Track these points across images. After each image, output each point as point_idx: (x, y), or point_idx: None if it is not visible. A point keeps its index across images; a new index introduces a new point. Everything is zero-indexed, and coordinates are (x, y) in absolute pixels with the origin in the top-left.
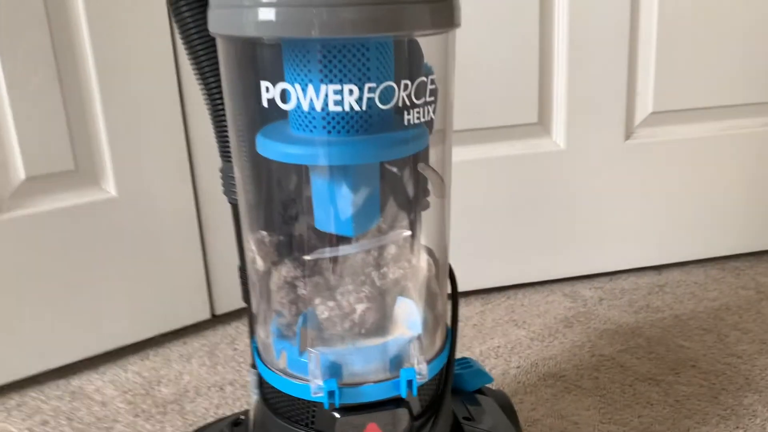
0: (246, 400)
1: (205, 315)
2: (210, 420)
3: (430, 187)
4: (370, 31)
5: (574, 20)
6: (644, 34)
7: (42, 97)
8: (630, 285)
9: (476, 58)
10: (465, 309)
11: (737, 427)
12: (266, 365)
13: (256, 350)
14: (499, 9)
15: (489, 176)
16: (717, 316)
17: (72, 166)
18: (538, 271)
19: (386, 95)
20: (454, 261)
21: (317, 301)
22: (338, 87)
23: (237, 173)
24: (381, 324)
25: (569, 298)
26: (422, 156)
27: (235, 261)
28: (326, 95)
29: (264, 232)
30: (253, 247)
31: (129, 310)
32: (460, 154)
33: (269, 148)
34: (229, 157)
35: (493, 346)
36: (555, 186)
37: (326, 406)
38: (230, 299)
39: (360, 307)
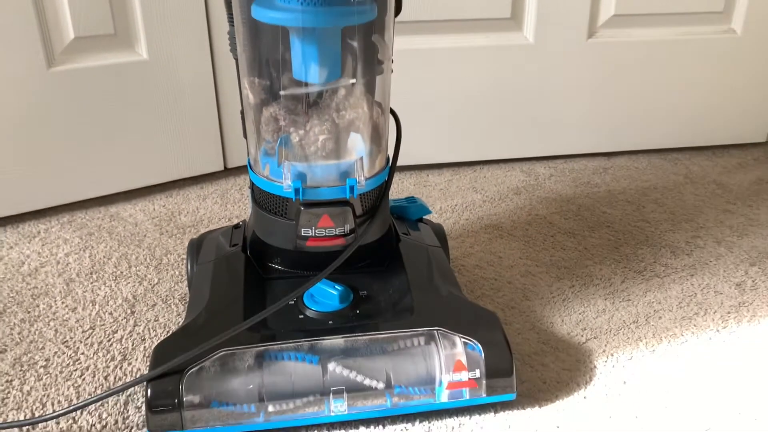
0: None
1: (219, 167)
2: None
3: (380, 57)
4: None
5: None
6: None
7: None
8: (580, 166)
9: None
10: (436, 177)
11: (625, 268)
12: (255, 173)
13: (249, 164)
14: None
15: (465, 64)
16: (643, 192)
17: (112, 30)
18: (502, 150)
19: None
20: (429, 136)
21: (292, 130)
22: None
23: (237, 33)
24: (336, 150)
25: (525, 173)
26: (376, 29)
27: None
28: None
29: (255, 78)
30: (247, 86)
31: (156, 156)
32: (440, 42)
33: (260, 13)
34: (233, 21)
35: (452, 205)
36: (523, 76)
37: (293, 199)
38: (240, 156)
39: (322, 137)
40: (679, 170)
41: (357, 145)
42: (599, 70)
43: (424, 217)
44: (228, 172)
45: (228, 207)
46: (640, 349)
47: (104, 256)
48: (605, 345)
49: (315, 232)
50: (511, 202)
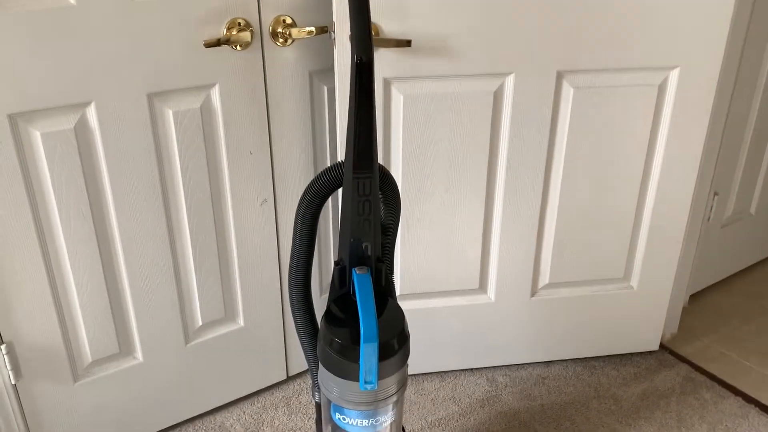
0: None
1: (283, 376)
2: None
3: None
4: None
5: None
6: (547, 236)
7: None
8: (527, 374)
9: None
10: (429, 384)
11: None
12: None
13: None
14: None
15: (447, 318)
16: (563, 408)
17: (223, 314)
18: (474, 361)
19: None
20: (430, 350)
21: None
22: None
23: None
24: None
25: (489, 382)
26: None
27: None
28: None
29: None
30: None
31: (244, 376)
32: (430, 303)
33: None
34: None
35: (439, 418)
36: (488, 321)
37: None
38: (297, 366)
39: None
40: (592, 381)
41: None
42: (539, 315)
43: None
44: (290, 379)
45: (293, 417)
46: None
47: None
48: None
49: None
50: (478, 417)
